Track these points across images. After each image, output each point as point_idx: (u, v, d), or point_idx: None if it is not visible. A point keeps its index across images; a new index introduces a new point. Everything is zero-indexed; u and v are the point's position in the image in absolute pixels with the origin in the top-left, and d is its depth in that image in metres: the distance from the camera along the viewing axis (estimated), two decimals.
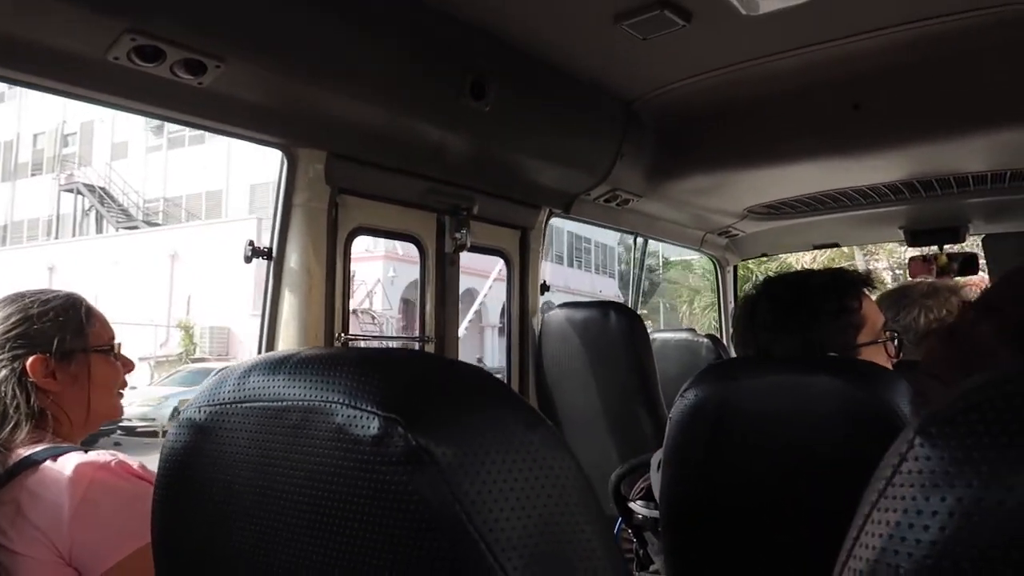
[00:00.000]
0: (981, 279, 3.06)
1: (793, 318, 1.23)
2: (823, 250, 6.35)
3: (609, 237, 25.69)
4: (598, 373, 2.30)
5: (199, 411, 0.55)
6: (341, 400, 0.45)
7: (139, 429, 11.92)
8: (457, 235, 2.01)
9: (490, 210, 2.14)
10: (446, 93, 1.71)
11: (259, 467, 0.50)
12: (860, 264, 13.38)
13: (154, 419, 12.22)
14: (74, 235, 22.85)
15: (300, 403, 0.48)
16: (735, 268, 3.57)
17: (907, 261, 3.34)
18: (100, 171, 22.50)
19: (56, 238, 22.93)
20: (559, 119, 2.08)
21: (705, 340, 3.02)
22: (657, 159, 2.40)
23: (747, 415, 1.12)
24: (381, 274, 17.01)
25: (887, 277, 14.07)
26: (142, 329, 15.50)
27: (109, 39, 1.17)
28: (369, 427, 0.43)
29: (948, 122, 2.03)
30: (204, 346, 18.18)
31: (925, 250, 3.02)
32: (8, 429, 1.04)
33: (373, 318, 15.53)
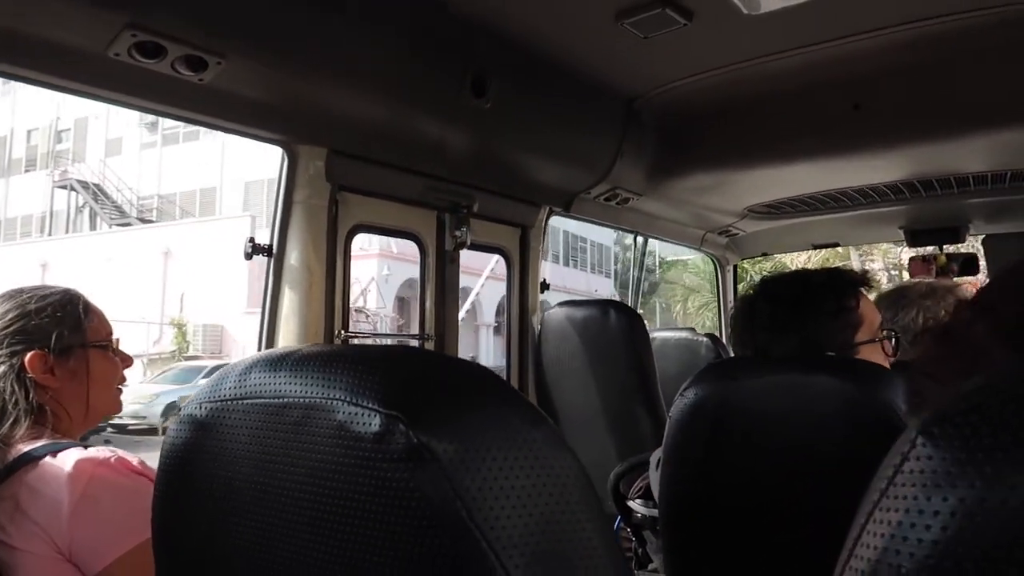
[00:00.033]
0: (979, 280, 3.06)
1: (792, 318, 1.23)
2: (819, 250, 6.34)
3: (605, 237, 25.64)
4: (598, 372, 2.30)
5: (200, 407, 0.55)
6: (342, 397, 0.45)
7: (130, 427, 11.81)
8: (457, 233, 2.02)
9: (490, 208, 2.14)
10: (447, 90, 1.70)
11: (260, 464, 0.49)
12: (856, 264, 13.38)
13: (145, 417, 12.15)
14: (67, 232, 22.63)
15: (301, 400, 0.48)
16: (735, 267, 3.57)
17: (906, 261, 3.34)
18: (94, 167, 22.34)
19: (49, 235, 22.71)
20: (560, 117, 2.08)
21: (705, 339, 3.01)
22: (658, 158, 2.40)
23: (747, 414, 1.12)
24: (375, 272, 16.98)
25: (883, 278, 14.08)
26: (135, 326, 15.42)
27: (110, 35, 1.17)
28: (370, 424, 0.43)
29: (948, 122, 2.04)
30: (197, 344, 18.07)
31: (925, 250, 3.02)
32: (7, 425, 1.04)
33: (367, 316, 15.51)
